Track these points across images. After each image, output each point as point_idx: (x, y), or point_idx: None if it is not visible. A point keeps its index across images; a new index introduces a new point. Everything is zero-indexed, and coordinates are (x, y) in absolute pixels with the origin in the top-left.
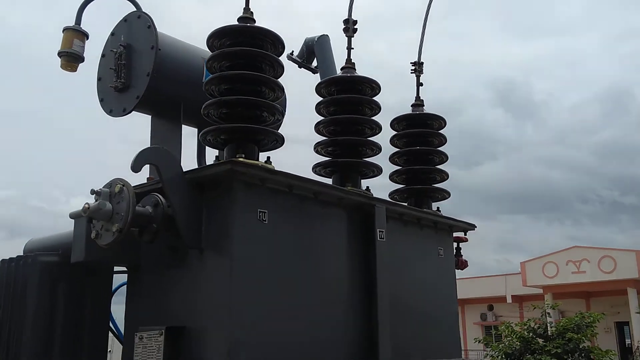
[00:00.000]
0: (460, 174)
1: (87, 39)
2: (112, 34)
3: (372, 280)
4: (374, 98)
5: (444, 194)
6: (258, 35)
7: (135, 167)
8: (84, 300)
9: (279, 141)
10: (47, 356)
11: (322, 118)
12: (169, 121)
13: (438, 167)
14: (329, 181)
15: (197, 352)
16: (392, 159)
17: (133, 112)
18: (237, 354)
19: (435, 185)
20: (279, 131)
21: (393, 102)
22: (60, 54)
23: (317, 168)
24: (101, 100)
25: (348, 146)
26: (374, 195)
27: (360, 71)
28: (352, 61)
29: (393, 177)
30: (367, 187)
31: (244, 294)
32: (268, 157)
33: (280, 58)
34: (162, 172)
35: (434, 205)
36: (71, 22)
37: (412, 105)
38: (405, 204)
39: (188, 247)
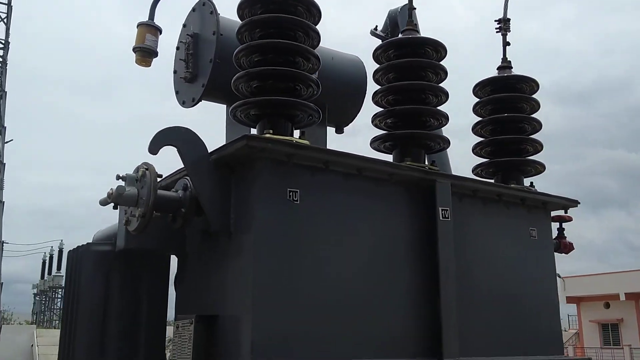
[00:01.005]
0: (630, 157)
1: (160, 33)
2: (184, 25)
3: (434, 266)
4: (441, 62)
5: (537, 167)
6: (291, 1)
7: (153, 149)
8: (139, 289)
9: (314, 116)
10: (101, 349)
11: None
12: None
13: (531, 136)
14: (389, 158)
15: (226, 342)
16: (476, 129)
17: (207, 102)
18: (261, 347)
19: (528, 157)
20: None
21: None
22: (134, 50)
23: (375, 143)
24: (176, 93)
25: (407, 116)
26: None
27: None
28: (414, 22)
29: (477, 149)
30: (433, 161)
31: (269, 280)
32: (302, 132)
33: (317, 27)
34: (183, 153)
35: (527, 181)
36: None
37: (498, 69)
38: (486, 180)
39: (215, 231)
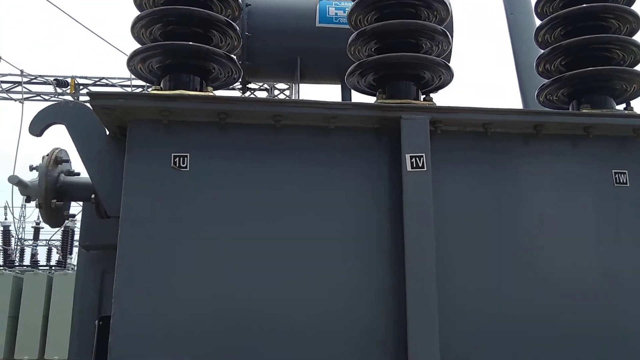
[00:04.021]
0: None
1: None
2: None
3: (397, 239)
4: None
5: (634, 80)
6: None
7: (34, 130)
8: None
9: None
10: None
11: None
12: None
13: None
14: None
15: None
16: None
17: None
18: (119, 353)
19: (613, 67)
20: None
21: None
22: None
23: (351, 78)
24: None
25: (386, 35)
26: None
27: None
28: None
29: (540, 66)
30: (427, 95)
31: (134, 276)
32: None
33: None
34: (72, 132)
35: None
36: None
37: None
38: (510, 108)
39: (110, 217)
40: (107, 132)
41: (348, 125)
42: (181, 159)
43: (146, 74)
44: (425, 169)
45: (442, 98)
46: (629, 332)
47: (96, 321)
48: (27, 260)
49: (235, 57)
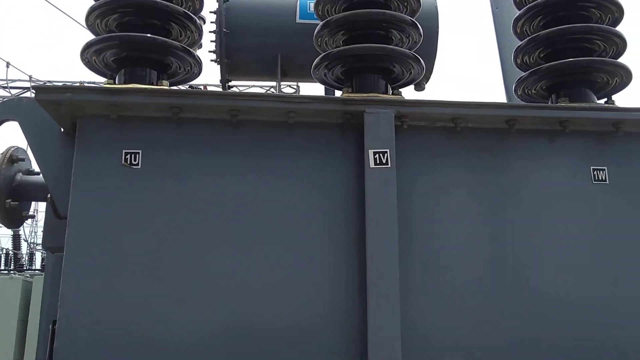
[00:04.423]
0: None
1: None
2: None
3: (363, 239)
4: None
5: (617, 73)
6: None
7: None
8: None
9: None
10: None
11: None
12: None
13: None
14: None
15: None
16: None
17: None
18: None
19: (592, 58)
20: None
21: None
22: None
23: (317, 71)
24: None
25: (353, 25)
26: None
27: None
28: None
29: (519, 58)
30: (395, 89)
31: (81, 278)
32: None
33: None
34: (25, 130)
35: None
36: None
37: None
38: (486, 102)
39: (64, 217)
40: (62, 130)
41: (311, 120)
42: (132, 155)
43: (102, 67)
44: (389, 165)
45: (429, 94)
46: (604, 326)
47: (50, 325)
48: (37, 265)
49: (194, 51)
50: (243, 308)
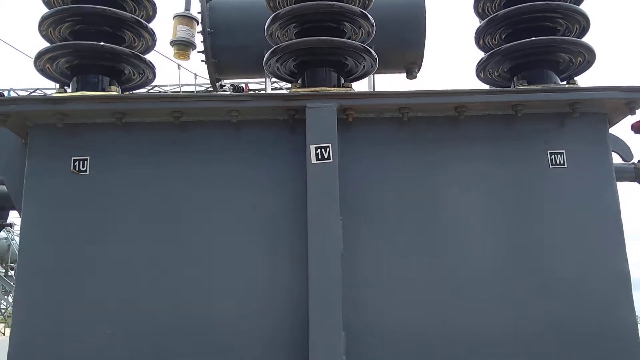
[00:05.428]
0: None
1: (198, 23)
2: None
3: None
4: None
5: (578, 53)
6: None
7: None
8: None
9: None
10: None
11: None
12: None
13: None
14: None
15: None
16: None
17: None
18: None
19: (555, 37)
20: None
21: None
22: (171, 44)
23: (269, 64)
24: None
25: (302, 18)
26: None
27: None
28: None
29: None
30: (345, 82)
31: (32, 286)
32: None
33: None
34: None
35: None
36: None
37: None
38: (434, 90)
39: None
40: (22, 140)
41: (260, 118)
42: (81, 162)
43: (57, 75)
44: (331, 160)
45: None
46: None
47: None
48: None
49: (145, 57)
50: (192, 310)
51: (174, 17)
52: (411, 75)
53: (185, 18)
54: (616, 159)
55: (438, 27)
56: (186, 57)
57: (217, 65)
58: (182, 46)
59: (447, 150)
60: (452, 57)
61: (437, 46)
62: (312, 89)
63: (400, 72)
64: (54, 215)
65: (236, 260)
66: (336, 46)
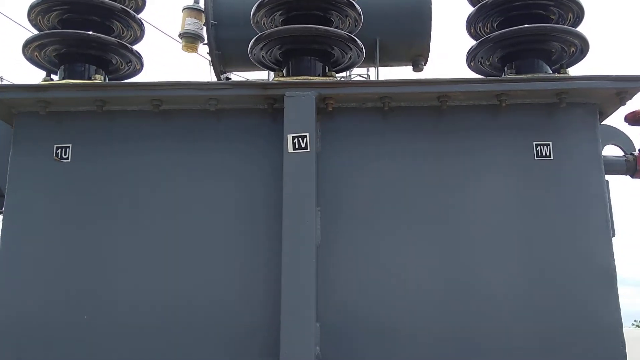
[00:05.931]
0: None
1: None
2: None
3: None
4: None
5: (570, 42)
6: None
7: None
8: None
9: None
10: None
11: None
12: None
13: None
14: None
15: None
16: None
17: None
18: None
19: (545, 25)
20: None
21: None
22: (179, 36)
23: (254, 52)
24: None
25: (287, 5)
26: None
27: None
28: None
29: (472, 29)
30: (330, 71)
31: (17, 265)
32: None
33: None
34: None
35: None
36: None
37: None
38: (419, 78)
39: None
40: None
41: (241, 107)
42: (63, 150)
43: (45, 63)
44: (308, 149)
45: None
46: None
47: None
48: None
49: (133, 47)
50: (172, 298)
51: (183, 9)
52: (417, 67)
53: (193, 10)
54: (617, 151)
55: (445, 19)
56: (194, 49)
57: (222, 57)
58: (190, 39)
59: (430, 142)
60: (459, 49)
61: (445, 38)
62: (292, 77)
63: (406, 65)
64: (36, 203)
65: (214, 248)
66: (320, 34)
